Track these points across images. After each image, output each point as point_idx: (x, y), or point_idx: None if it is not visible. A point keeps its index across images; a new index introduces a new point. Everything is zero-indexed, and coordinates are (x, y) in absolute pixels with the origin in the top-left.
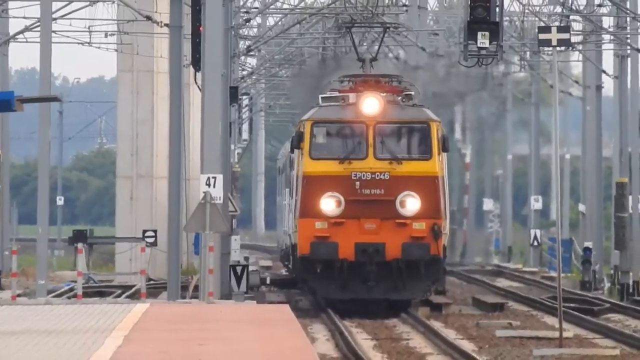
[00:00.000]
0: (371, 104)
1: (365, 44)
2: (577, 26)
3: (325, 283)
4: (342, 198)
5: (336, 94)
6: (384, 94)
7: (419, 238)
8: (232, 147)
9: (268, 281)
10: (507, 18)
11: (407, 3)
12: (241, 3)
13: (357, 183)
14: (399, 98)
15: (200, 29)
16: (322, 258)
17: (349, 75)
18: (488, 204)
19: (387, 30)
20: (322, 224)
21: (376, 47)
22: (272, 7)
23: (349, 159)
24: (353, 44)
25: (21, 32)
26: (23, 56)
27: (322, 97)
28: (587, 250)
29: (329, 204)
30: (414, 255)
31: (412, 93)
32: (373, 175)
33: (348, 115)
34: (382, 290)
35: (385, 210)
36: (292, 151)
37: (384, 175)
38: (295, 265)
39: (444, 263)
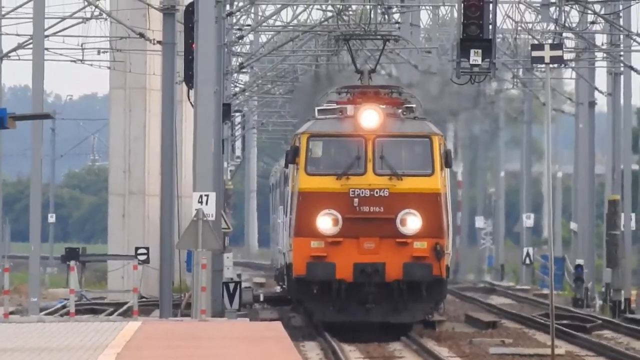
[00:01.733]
0: (370, 117)
1: (359, 59)
2: (570, 43)
3: (322, 305)
4: (339, 216)
5: (334, 106)
6: (384, 106)
7: (421, 258)
8: (225, 164)
9: (261, 298)
10: (500, 35)
11: (399, 20)
12: (234, 20)
13: (356, 200)
14: (400, 110)
15: (193, 46)
16: (319, 279)
17: (347, 87)
18: (480, 222)
19: (387, 42)
20: (319, 243)
21: (371, 64)
22: (264, 24)
23: (347, 174)
24: (351, 55)
25: (14, 49)
26: (16, 73)
27: (318, 110)
28: (579, 267)
29: (325, 222)
30: (415, 276)
31: (414, 105)
32: (372, 192)
33: (346, 129)
34: (381, 313)
35: (385, 228)
36: (286, 166)
37: (383, 192)
38: (290, 286)
39: (446, 284)
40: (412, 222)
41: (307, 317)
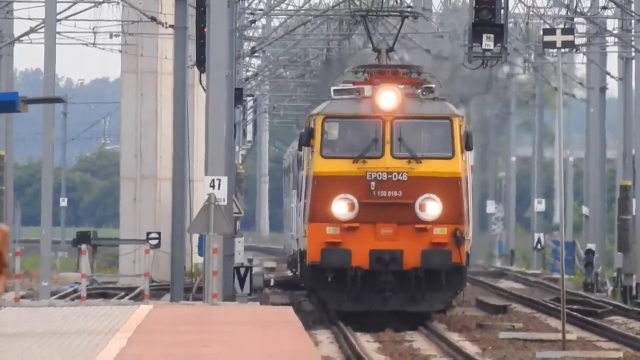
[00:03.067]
0: (388, 98)
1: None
2: (581, 28)
3: (337, 294)
4: (355, 201)
5: (350, 86)
6: (403, 87)
7: (440, 244)
8: (237, 148)
9: (272, 283)
10: (512, 20)
11: (411, 5)
12: (246, 4)
13: (373, 184)
14: (419, 91)
15: (205, 30)
16: (334, 266)
17: (365, 66)
18: (491, 207)
19: (406, 18)
20: (334, 229)
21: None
22: (277, 8)
23: (364, 157)
24: (368, 33)
25: (26, 33)
26: (27, 57)
27: (334, 90)
28: (589, 252)
29: (341, 207)
30: (434, 264)
31: (433, 86)
32: (390, 176)
33: (363, 110)
34: (398, 302)
35: (403, 214)
36: (300, 149)
37: (401, 175)
38: (303, 273)
39: (466, 272)
40: (431, 207)
41: (321, 305)
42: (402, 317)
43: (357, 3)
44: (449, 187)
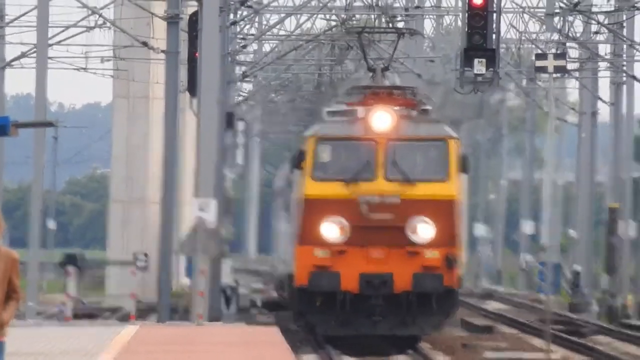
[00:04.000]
0: (382, 119)
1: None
2: (573, 53)
3: (325, 318)
4: (346, 223)
5: (343, 107)
6: (397, 108)
7: (432, 268)
8: (227, 172)
9: (259, 303)
10: (504, 45)
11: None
12: (237, 29)
13: (364, 207)
14: (414, 112)
15: (197, 54)
16: (323, 290)
17: (358, 87)
18: (480, 229)
19: (402, 36)
20: (324, 252)
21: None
22: (268, 33)
23: (356, 180)
24: (363, 52)
25: (17, 58)
26: (19, 82)
27: (327, 111)
28: (576, 273)
29: (331, 229)
30: (425, 287)
31: (429, 107)
32: (382, 199)
33: (356, 131)
34: (388, 326)
35: (395, 237)
36: (291, 171)
37: (394, 198)
38: (291, 296)
39: (458, 295)
40: (423, 230)
41: (309, 330)
42: (391, 341)
43: (352, 23)
44: (442, 210)
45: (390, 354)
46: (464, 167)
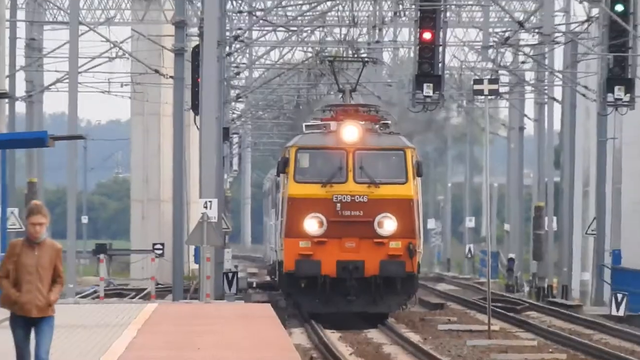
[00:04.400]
0: (351, 132)
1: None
2: (504, 79)
3: (309, 297)
4: (324, 219)
5: (319, 122)
6: (363, 123)
7: (396, 256)
8: (225, 176)
9: (254, 285)
10: (448, 72)
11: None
12: (232, 59)
13: (338, 205)
14: (377, 126)
15: (199, 80)
16: (306, 274)
17: (331, 105)
18: (431, 223)
19: (365, 64)
20: (306, 243)
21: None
22: (257, 62)
23: (331, 182)
24: (334, 76)
25: (53, 83)
26: (55, 102)
27: (305, 125)
28: (510, 260)
29: (312, 224)
30: (390, 272)
31: (389, 122)
32: (353, 198)
33: (329, 142)
34: (361, 304)
35: (364, 230)
36: (277, 175)
37: (362, 198)
38: (280, 280)
39: (418, 279)
40: (388, 224)
41: (296, 307)
42: (364, 317)
43: (324, 54)
44: (402, 208)
45: (364, 328)
46: (419, 171)
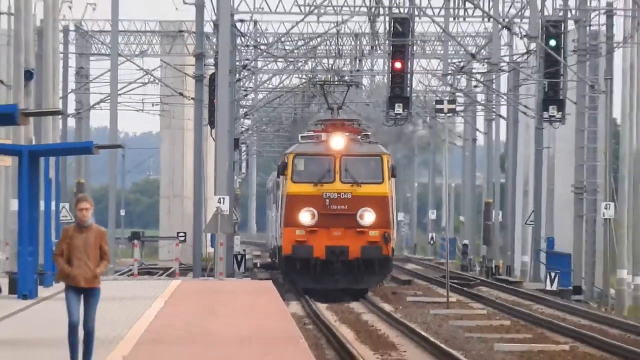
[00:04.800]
0: (338, 142)
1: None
2: (460, 100)
3: (303, 276)
4: (316, 212)
5: (312, 134)
6: (348, 134)
7: (374, 243)
8: (235, 177)
9: (259, 265)
10: (415, 94)
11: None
12: (241, 84)
13: (327, 201)
14: (359, 137)
15: (215, 101)
16: (301, 257)
17: (322, 120)
18: (401, 216)
19: (349, 88)
20: (301, 232)
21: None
22: (261, 87)
23: (321, 182)
24: (325, 97)
25: (97, 103)
26: (99, 118)
27: (301, 136)
28: (465, 245)
29: (306, 216)
30: (370, 256)
31: (369, 133)
32: (339, 195)
33: (321, 150)
34: (345, 282)
35: (349, 221)
36: (278, 177)
37: (347, 195)
38: (280, 262)
39: (392, 261)
40: (368, 217)
41: (293, 285)
42: (348, 293)
43: (316, 80)
44: (380, 203)
45: (348, 301)
46: (393, 174)
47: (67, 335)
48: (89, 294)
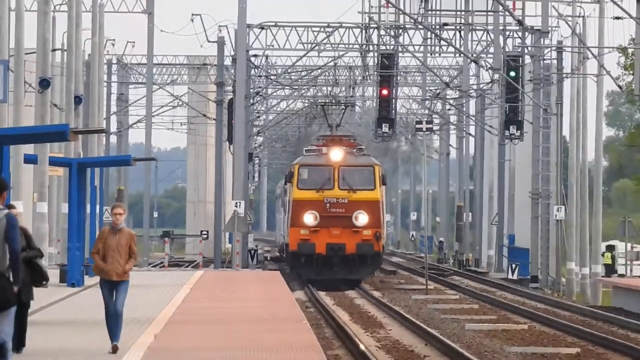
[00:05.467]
0: (337, 154)
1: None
2: (436, 120)
3: (307, 269)
4: (317, 214)
5: (314, 147)
6: (345, 148)
7: (367, 240)
8: (249, 185)
9: (269, 258)
10: (399, 116)
11: (343, 107)
12: (254, 107)
13: (327, 205)
14: (354, 150)
15: (232, 121)
16: (305, 253)
17: (323, 136)
18: (387, 217)
19: (345, 109)
20: (305, 231)
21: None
22: (271, 109)
23: (322, 189)
24: (325, 116)
25: (135, 123)
26: (136, 136)
27: (305, 150)
28: (441, 242)
29: (309, 218)
30: (363, 252)
31: (363, 147)
32: (337, 200)
33: (322, 161)
34: (343, 273)
35: (346, 222)
36: (285, 184)
37: (344, 200)
38: (287, 256)
39: (382, 256)
40: (362, 218)
41: (298, 276)
42: (345, 282)
43: (317, 102)
44: (372, 207)
45: (344, 289)
46: (383, 181)
47: (104, 318)
48: (119, 286)
